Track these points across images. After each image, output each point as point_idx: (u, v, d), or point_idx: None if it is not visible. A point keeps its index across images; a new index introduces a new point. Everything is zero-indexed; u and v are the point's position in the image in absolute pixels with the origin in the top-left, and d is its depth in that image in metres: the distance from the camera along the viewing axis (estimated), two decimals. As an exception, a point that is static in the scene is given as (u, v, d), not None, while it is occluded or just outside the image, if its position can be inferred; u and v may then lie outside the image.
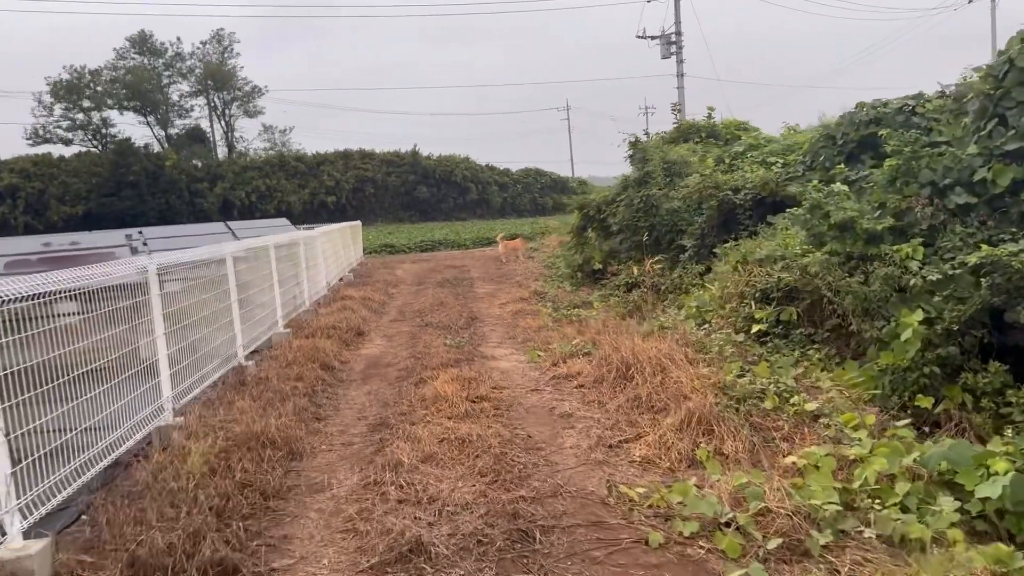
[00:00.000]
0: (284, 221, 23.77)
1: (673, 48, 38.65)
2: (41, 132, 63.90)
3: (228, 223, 24.08)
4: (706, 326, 9.82)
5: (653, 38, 39.60)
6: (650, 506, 5.11)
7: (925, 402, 6.86)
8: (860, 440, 6.07)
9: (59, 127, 64.53)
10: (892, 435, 6.18)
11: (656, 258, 13.83)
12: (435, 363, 9.86)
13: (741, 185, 13.76)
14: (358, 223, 29.67)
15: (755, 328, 9.16)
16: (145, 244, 17.04)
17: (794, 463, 5.65)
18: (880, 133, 10.16)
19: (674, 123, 24.68)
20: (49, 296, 5.13)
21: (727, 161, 15.85)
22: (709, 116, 24.46)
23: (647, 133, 29.49)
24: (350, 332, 12.53)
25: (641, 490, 5.31)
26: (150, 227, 20.46)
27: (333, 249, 19.76)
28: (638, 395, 7.34)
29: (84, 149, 63.52)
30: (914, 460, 5.51)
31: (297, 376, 9.14)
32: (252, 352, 10.39)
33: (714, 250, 14.02)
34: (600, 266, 16.15)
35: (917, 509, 5.08)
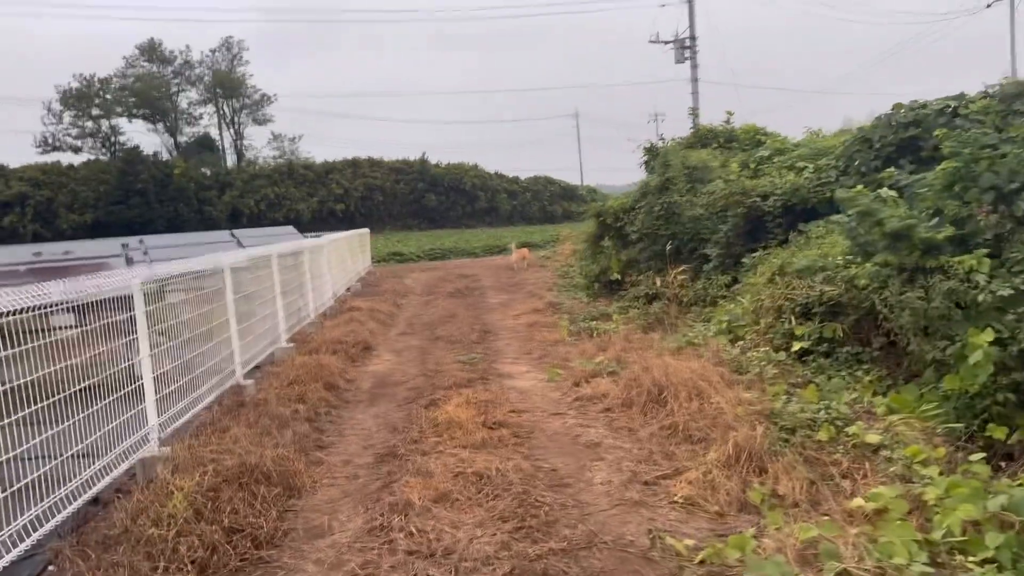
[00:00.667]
0: (290, 229, 23.16)
1: (687, 53, 37.95)
2: (50, 140, 63.74)
3: (234, 231, 23.51)
4: (741, 343, 9.07)
5: (667, 43, 38.92)
6: (702, 562, 4.39)
7: (998, 432, 6.12)
8: (932, 478, 5.33)
9: (68, 135, 64.39)
10: (965, 471, 5.45)
11: (680, 268, 13.10)
12: (447, 382, 9.17)
13: (769, 191, 13.03)
14: (366, 231, 29.06)
15: (796, 346, 8.42)
16: (146, 253, 16.44)
17: (861, 507, 4.93)
18: (935, 133, 9.40)
19: (691, 128, 23.97)
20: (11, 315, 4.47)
21: (751, 166, 15.14)
22: (727, 121, 23.72)
23: (662, 139, 28.82)
24: (357, 347, 11.85)
25: (690, 542, 4.59)
26: (154, 235, 19.87)
27: (340, 258, 19.11)
28: (674, 423, 6.62)
29: (93, 157, 63.29)
30: (1001, 506, 4.78)
31: (299, 396, 8.46)
32: (253, 369, 9.73)
33: (740, 260, 13.32)
34: (618, 276, 15.44)
35: (1014, 566, 4.36)
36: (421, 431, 7.16)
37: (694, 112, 23.76)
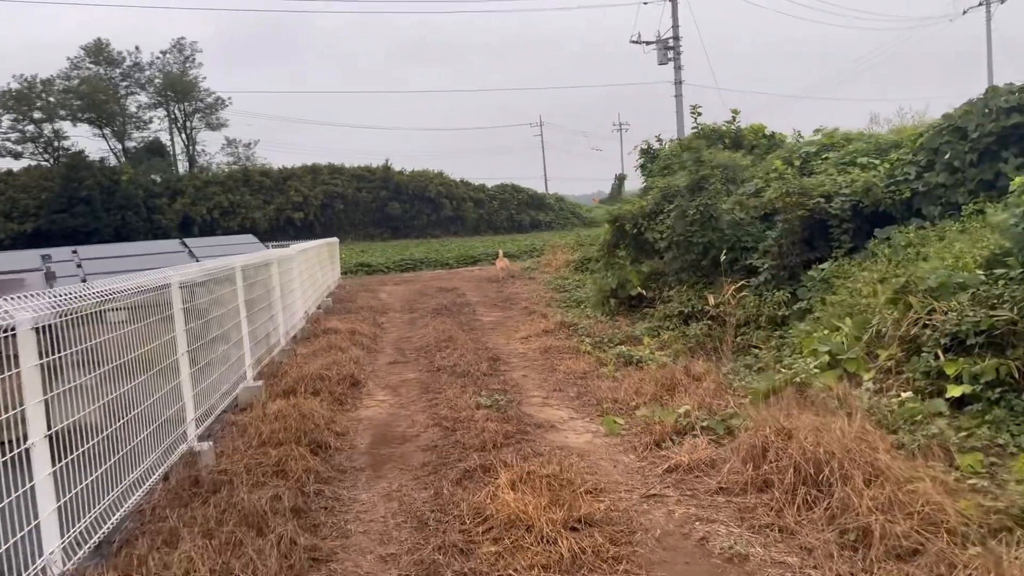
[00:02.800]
0: (251, 238, 20.54)
1: (670, 54, 36.08)
2: (-13, 145, 59.90)
3: (185, 241, 20.82)
4: (868, 384, 6.86)
5: (648, 43, 37.02)
6: None
7: None
8: None
9: (7, 139, 60.58)
10: None
11: (736, 283, 10.87)
12: (476, 438, 6.83)
13: (833, 191, 10.94)
14: (335, 240, 26.49)
15: (952, 391, 6.26)
16: (79, 267, 13.82)
17: None
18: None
19: (693, 128, 21.92)
20: None
21: (795, 163, 13.07)
22: (733, 119, 21.74)
23: (659, 140, 26.82)
24: (342, 382, 9.45)
25: None
26: (93, 246, 17.18)
27: (311, 271, 16.61)
28: (862, 527, 4.36)
29: (34, 163, 59.68)
30: None
31: (277, 467, 6.06)
32: (214, 421, 7.30)
33: (796, 272, 11.21)
34: (640, 291, 13.21)
35: None
36: (467, 535, 4.82)
37: (698, 111, 21.65)
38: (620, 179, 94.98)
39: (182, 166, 66.73)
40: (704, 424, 6.50)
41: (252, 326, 9.35)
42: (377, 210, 61.01)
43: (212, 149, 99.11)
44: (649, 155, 23.52)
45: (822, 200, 10.80)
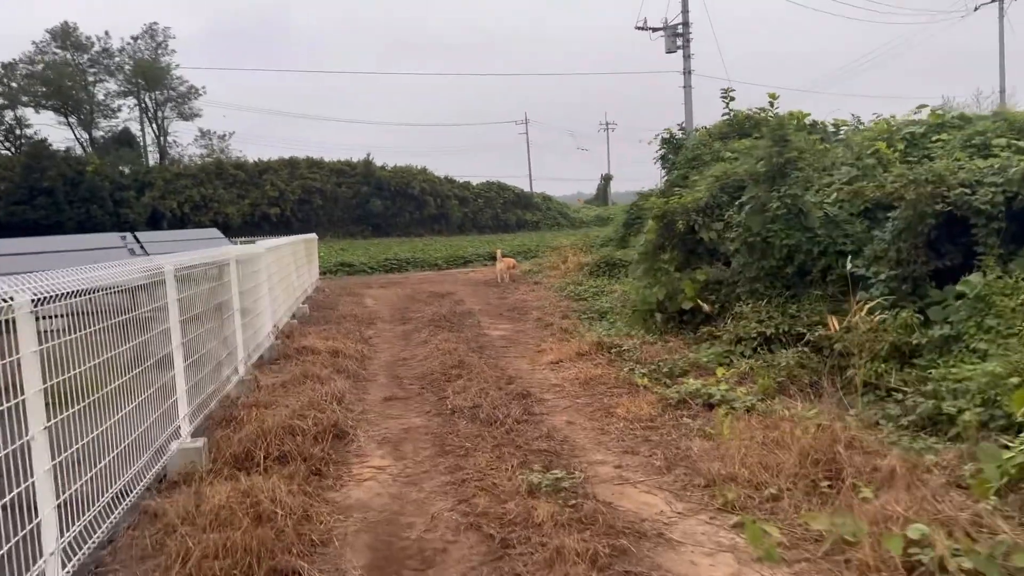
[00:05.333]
0: (215, 232, 17.69)
1: (679, 41, 33.40)
2: (-57, 131, 56.28)
3: (140, 235, 17.88)
4: None
5: (655, 29, 34.32)
6: None
7: None
8: None
9: (-35, 126, 56.99)
10: None
11: (870, 300, 8.09)
12: (547, 570, 4.05)
13: (975, 179, 8.26)
14: (313, 237, 23.54)
15: None
16: (-11, 264, 10.89)
17: None
18: None
19: (724, 114, 19.26)
20: None
21: (899, 147, 10.43)
22: (771, 104, 19.04)
23: (682, 129, 24.14)
24: (321, 437, 6.62)
25: None
26: (14, 239, 14.24)
27: (283, 273, 13.70)
28: None
29: (-7, 151, 56.14)
30: None
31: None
32: (123, 514, 4.47)
33: (920, 285, 8.54)
34: (703, 306, 10.46)
35: None
36: None
37: (730, 95, 19.00)
38: (606, 179, 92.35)
39: (152, 158, 63.47)
40: (965, 565, 3.71)
41: (193, 356, 6.50)
42: (358, 207, 58.09)
43: (185, 140, 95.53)
44: (672, 145, 20.84)
45: (967, 191, 8.10)
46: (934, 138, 10.41)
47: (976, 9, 50.09)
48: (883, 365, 7.91)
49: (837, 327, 7.43)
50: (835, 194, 9.98)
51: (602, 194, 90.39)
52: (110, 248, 12.86)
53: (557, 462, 6.07)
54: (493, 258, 24.79)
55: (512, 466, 5.83)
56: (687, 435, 6.83)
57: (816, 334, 8.67)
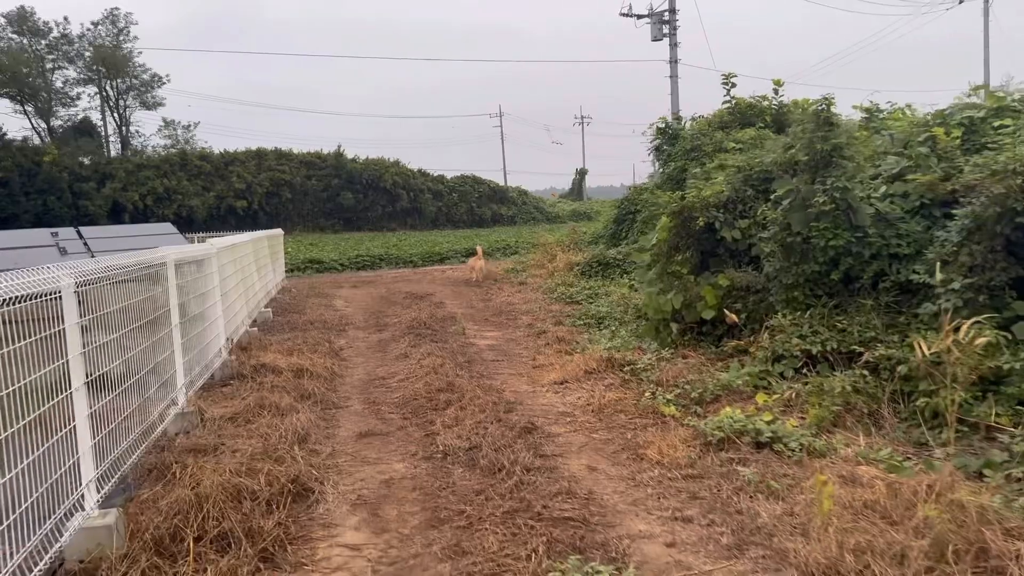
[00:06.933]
0: (168, 227, 15.91)
1: (666, 28, 32.01)
2: None
3: (84, 230, 16.09)
4: None
5: (640, 16, 32.93)
6: None
7: None
8: None
9: (-87, 113, 54.30)
10: None
11: (978, 318, 6.61)
12: None
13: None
14: (279, 233, 21.82)
15: None
16: None
17: None
18: None
19: (725, 102, 17.85)
20: None
21: (957, 135, 9.06)
22: (776, 91, 17.66)
23: (678, 118, 22.73)
24: (275, 502, 5.06)
25: None
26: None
27: (242, 275, 12.04)
28: None
29: (-56, 140, 53.42)
30: None
31: None
32: None
33: (998, 296, 7.15)
34: (729, 315, 9.00)
35: None
36: None
37: (732, 80, 17.59)
38: (581, 174, 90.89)
39: (114, 148, 60.83)
40: None
41: (106, 397, 4.90)
42: (328, 200, 56.21)
43: (148, 130, 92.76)
44: (667, 135, 19.37)
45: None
46: (996, 124, 9.05)
47: (961, 2, 49.35)
48: (962, 394, 6.51)
49: (927, 351, 5.99)
50: (883, 187, 8.57)
51: (577, 189, 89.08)
52: (37, 247, 11.16)
53: (591, 539, 4.57)
54: (473, 255, 23.23)
55: (535, 551, 4.31)
56: (744, 490, 5.38)
57: (877, 353, 7.24)
